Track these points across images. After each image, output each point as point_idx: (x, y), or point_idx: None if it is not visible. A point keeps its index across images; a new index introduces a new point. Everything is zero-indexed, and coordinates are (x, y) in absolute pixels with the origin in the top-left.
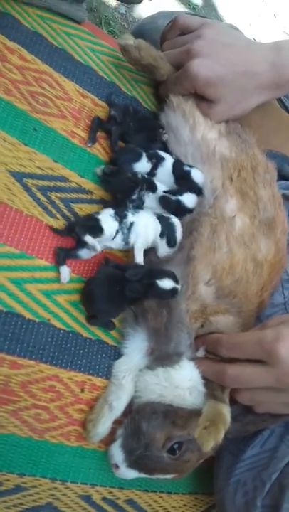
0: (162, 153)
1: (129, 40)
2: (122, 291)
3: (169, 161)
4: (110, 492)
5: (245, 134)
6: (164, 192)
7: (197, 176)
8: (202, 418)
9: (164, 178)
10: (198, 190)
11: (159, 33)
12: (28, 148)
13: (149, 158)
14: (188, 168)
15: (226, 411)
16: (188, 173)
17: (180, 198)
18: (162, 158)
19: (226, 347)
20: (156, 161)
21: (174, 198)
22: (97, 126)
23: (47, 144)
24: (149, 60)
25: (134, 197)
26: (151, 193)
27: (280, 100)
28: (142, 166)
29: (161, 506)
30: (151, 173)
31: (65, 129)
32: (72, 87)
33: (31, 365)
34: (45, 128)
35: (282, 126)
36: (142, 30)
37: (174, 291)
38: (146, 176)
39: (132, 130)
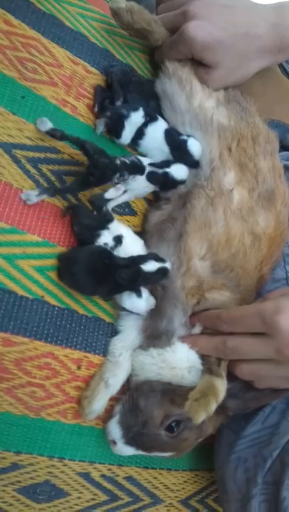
0: (158, 116)
1: (121, 3)
2: (109, 267)
3: (161, 125)
4: (109, 469)
5: (245, 102)
6: (150, 165)
7: (194, 147)
8: (194, 391)
9: (151, 144)
10: (193, 163)
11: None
12: (16, 118)
13: (145, 113)
14: (184, 138)
15: (220, 384)
16: (184, 143)
17: (167, 170)
18: (155, 118)
19: (225, 321)
20: (149, 119)
21: (160, 171)
22: (101, 96)
23: (37, 112)
24: (143, 25)
25: (114, 182)
26: (138, 175)
27: (282, 67)
28: (138, 117)
29: (161, 483)
30: (140, 129)
31: (55, 97)
32: (62, 53)
33: (25, 343)
34: (34, 96)
35: (285, 94)
36: None
37: (162, 271)
38: (128, 161)
39: (133, 83)
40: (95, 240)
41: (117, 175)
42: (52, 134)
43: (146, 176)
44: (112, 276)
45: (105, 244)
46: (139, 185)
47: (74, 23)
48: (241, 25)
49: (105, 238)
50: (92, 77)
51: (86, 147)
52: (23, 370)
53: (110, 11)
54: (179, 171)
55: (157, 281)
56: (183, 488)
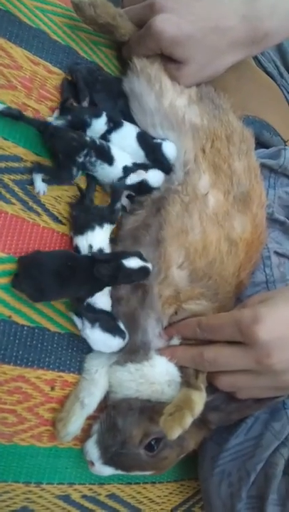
0: (123, 121)
1: None
2: (74, 269)
3: (129, 129)
4: (90, 489)
5: (219, 98)
6: (129, 169)
7: (169, 150)
8: (169, 405)
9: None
10: (167, 168)
11: None
12: None
13: (109, 119)
14: (158, 141)
15: (197, 397)
16: (159, 146)
17: (143, 177)
18: (120, 124)
19: (205, 329)
20: (113, 126)
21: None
22: (66, 93)
23: None
24: (107, 19)
25: (80, 160)
26: (106, 165)
27: (256, 59)
28: (100, 124)
29: (145, 497)
30: (104, 136)
31: (15, 101)
32: (20, 53)
33: None
34: None
35: (260, 88)
36: None
37: (144, 271)
38: (97, 142)
39: (99, 82)
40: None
41: (84, 151)
42: (9, 113)
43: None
44: (79, 278)
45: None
46: (107, 177)
47: (33, 19)
48: (211, 17)
49: (94, 237)
50: (54, 77)
51: (48, 126)
52: None
53: (72, 4)
54: (155, 177)
55: (137, 281)
56: (168, 500)
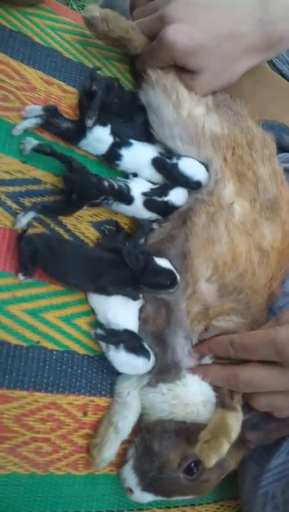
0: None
1: (95, 12)
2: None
3: (141, 148)
4: None
5: (236, 105)
6: (148, 194)
7: (188, 167)
8: (204, 431)
9: (133, 166)
10: (194, 185)
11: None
12: None
13: (112, 133)
14: (174, 161)
15: (233, 419)
16: (175, 166)
17: (166, 199)
18: (128, 143)
19: (238, 349)
20: (121, 142)
21: (159, 200)
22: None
23: (12, 143)
24: (120, 33)
25: (96, 201)
26: (124, 205)
27: (271, 62)
28: (103, 134)
29: None
30: (113, 150)
31: None
32: (34, 74)
33: (24, 396)
34: (7, 126)
35: (277, 92)
36: (109, 1)
37: (172, 275)
38: (116, 186)
39: (115, 107)
40: None
41: (102, 197)
42: (40, 150)
43: (144, 203)
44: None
45: None
46: (126, 213)
47: (44, 38)
48: (224, 24)
49: None
50: (69, 96)
51: (72, 164)
52: (25, 426)
53: (84, 20)
54: (178, 196)
55: (163, 283)
56: None
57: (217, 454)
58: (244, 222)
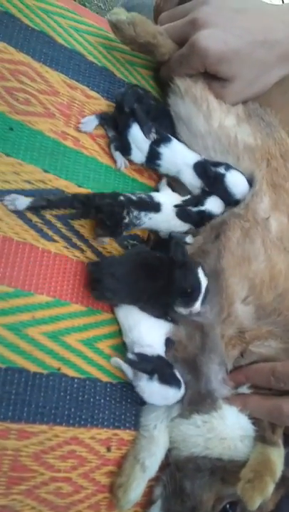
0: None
1: (121, 15)
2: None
3: (179, 146)
4: None
5: (267, 115)
6: (180, 206)
7: (235, 183)
8: (246, 469)
9: (172, 166)
10: (233, 202)
11: (148, 8)
12: (11, 160)
13: (150, 129)
14: (221, 171)
15: (276, 455)
16: (222, 177)
17: (203, 208)
18: (168, 139)
19: (282, 379)
20: (160, 138)
21: (194, 209)
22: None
23: (34, 150)
24: (147, 38)
25: (126, 221)
26: (152, 214)
27: None
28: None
29: None
30: (153, 149)
31: (53, 129)
32: (57, 77)
33: (44, 431)
34: (29, 131)
35: None
36: (128, 8)
37: (197, 288)
38: (134, 198)
39: (153, 109)
40: None
41: (125, 211)
42: (37, 206)
43: (177, 214)
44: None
45: None
46: (166, 224)
47: (67, 39)
48: (258, 30)
49: None
50: (92, 102)
51: (83, 201)
52: (44, 464)
53: (109, 24)
54: (216, 203)
55: (183, 290)
56: None
57: (262, 496)
58: (282, 238)
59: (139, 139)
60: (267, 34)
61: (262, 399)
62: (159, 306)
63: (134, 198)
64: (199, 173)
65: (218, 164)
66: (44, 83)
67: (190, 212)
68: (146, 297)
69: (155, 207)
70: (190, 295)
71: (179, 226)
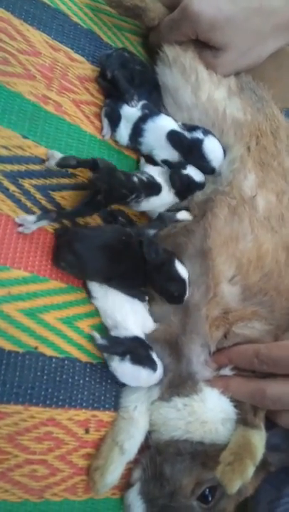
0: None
1: None
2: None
3: (165, 122)
4: None
5: (260, 89)
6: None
7: (211, 149)
8: (226, 452)
9: (154, 142)
10: (209, 170)
11: None
12: None
13: (143, 107)
14: (199, 136)
15: (257, 438)
16: (199, 144)
17: (185, 172)
18: (156, 113)
19: (265, 361)
20: (148, 113)
21: (184, 172)
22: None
23: (12, 114)
24: (135, 1)
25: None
26: (153, 197)
27: None
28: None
29: None
30: (138, 127)
31: (34, 92)
32: (38, 37)
33: (19, 411)
34: (7, 93)
35: None
36: None
37: (182, 290)
38: (144, 179)
39: (137, 74)
40: None
41: (133, 196)
42: (65, 164)
43: (170, 178)
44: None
45: None
46: (157, 204)
47: None
48: None
49: None
50: (77, 65)
51: (99, 164)
52: (18, 446)
53: None
54: (196, 172)
55: (169, 293)
56: None
57: (242, 479)
58: (269, 218)
59: (129, 116)
60: (263, 1)
61: (244, 381)
62: (132, 287)
63: (144, 179)
64: (173, 143)
65: (195, 128)
66: (24, 42)
67: (181, 176)
68: (115, 277)
69: (158, 188)
70: (177, 297)
71: (170, 199)
